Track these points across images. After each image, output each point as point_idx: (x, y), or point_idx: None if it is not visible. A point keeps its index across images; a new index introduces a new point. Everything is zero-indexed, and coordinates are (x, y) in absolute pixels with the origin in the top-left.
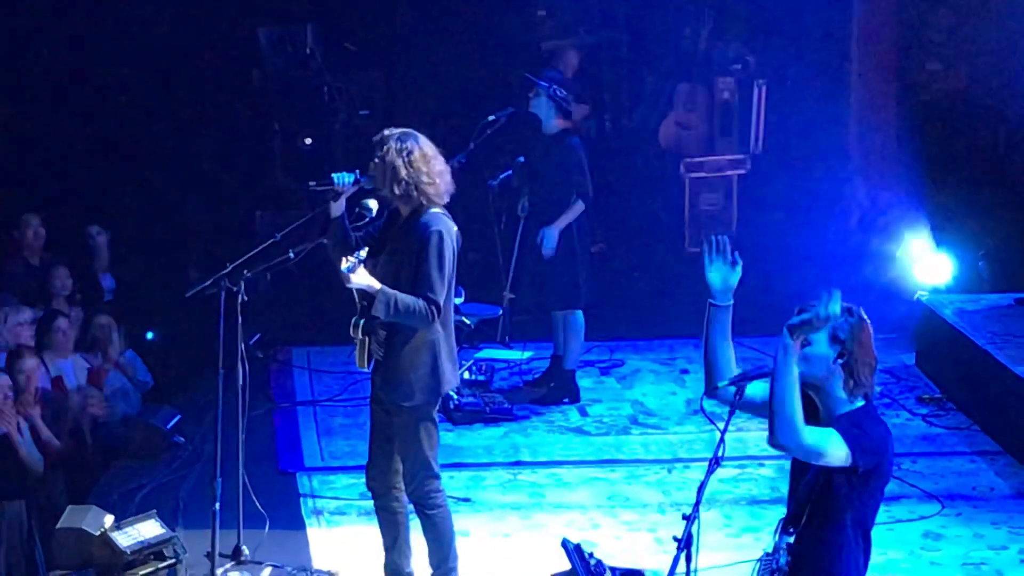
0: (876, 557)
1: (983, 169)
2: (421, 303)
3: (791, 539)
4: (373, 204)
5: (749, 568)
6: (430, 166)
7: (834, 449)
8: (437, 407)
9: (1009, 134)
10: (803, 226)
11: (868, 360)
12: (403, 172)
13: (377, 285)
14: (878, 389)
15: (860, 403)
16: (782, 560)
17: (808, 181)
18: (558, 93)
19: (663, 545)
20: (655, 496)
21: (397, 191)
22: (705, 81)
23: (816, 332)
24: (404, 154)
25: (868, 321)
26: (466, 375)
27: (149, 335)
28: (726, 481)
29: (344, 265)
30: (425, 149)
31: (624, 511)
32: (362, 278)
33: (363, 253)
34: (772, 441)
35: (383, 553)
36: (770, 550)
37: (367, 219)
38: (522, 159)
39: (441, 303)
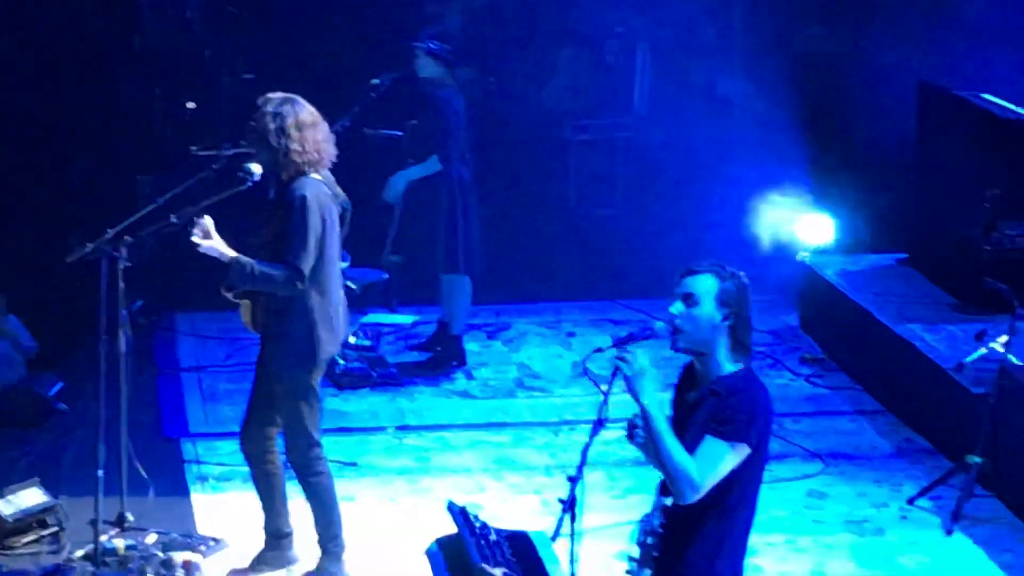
0: (760, 516)
1: (865, 130)
2: (282, 270)
3: (668, 500)
4: (256, 168)
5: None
6: (304, 134)
7: (727, 457)
8: (318, 374)
9: (892, 96)
10: (687, 188)
11: (749, 324)
12: (274, 139)
13: (230, 253)
14: (761, 349)
15: (740, 365)
16: (655, 522)
17: (692, 143)
18: (435, 46)
19: (549, 507)
20: (541, 459)
21: (269, 157)
22: (590, 44)
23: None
24: (277, 120)
25: (749, 285)
26: (352, 340)
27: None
28: (611, 443)
29: (196, 233)
30: (302, 116)
31: (511, 474)
32: (215, 244)
33: (207, 219)
34: (683, 503)
35: (262, 515)
36: (649, 511)
37: (249, 183)
38: (414, 122)
39: (304, 269)
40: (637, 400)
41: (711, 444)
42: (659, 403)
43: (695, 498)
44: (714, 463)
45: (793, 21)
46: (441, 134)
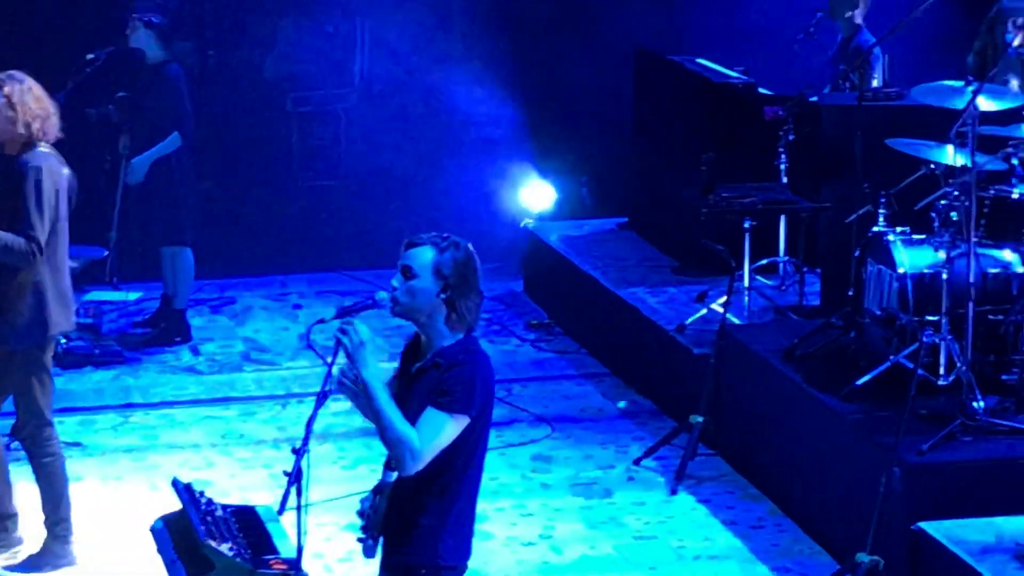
0: (488, 482)
1: (581, 97)
2: (20, 240)
3: (393, 476)
4: None
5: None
6: (30, 107)
7: (448, 428)
8: (51, 352)
9: (610, 63)
10: (409, 157)
11: (472, 294)
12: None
13: None
14: (487, 316)
15: (460, 336)
16: (380, 495)
17: (411, 113)
18: (154, 20)
19: (277, 481)
20: (270, 432)
21: None
22: (309, 14)
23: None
24: (1, 95)
25: (475, 255)
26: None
27: None
28: (339, 414)
29: None
30: (26, 90)
31: (239, 448)
32: None
33: None
34: (405, 474)
35: None
36: (377, 483)
37: None
38: (123, 94)
39: (42, 241)
40: (358, 372)
41: (432, 415)
42: (380, 374)
43: (416, 467)
44: (434, 434)
45: None
46: (177, 110)
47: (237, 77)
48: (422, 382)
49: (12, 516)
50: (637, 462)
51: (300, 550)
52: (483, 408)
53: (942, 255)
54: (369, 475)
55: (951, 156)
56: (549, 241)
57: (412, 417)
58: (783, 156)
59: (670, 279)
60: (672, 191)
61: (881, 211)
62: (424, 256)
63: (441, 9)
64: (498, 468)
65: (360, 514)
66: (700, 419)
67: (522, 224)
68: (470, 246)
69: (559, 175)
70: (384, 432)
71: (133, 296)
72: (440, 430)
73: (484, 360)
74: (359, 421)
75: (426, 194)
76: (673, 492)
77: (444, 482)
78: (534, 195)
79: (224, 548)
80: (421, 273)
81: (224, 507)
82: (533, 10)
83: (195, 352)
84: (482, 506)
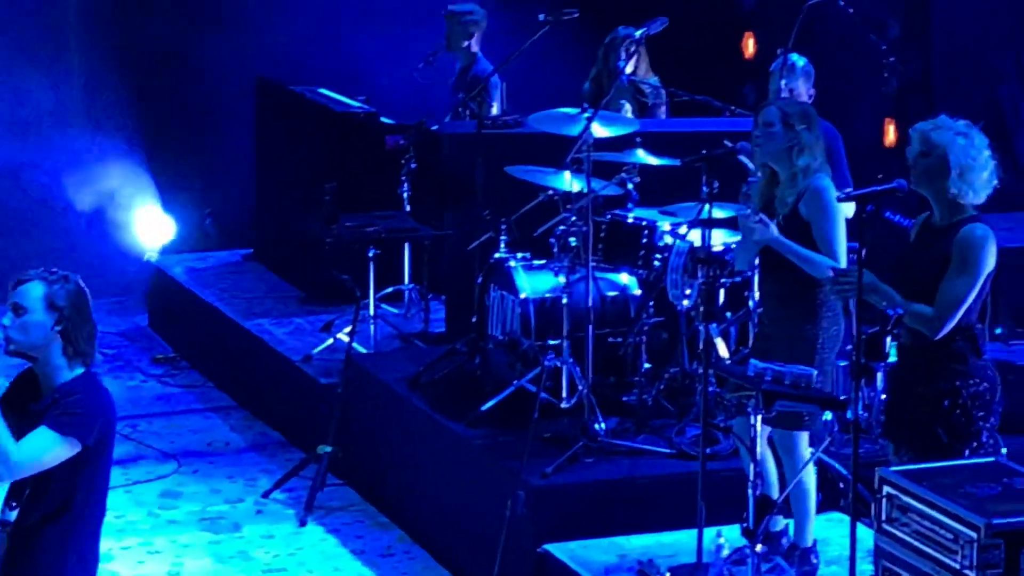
0: (113, 520)
1: (202, 128)
2: None
3: (13, 515)
4: None
5: None
6: None
7: (55, 447)
8: None
9: (231, 93)
10: (24, 193)
11: (86, 324)
12: None
13: None
14: (111, 352)
15: (80, 371)
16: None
17: (48, 144)
18: None
19: None
20: None
21: None
22: None
23: None
24: None
25: (85, 288)
26: None
27: None
28: None
29: None
30: None
31: None
32: None
33: None
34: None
35: None
36: None
37: None
38: None
39: None
40: None
41: (42, 432)
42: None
43: (9, 477)
44: (38, 449)
45: (131, 18)
46: None
47: None
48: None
49: None
50: (266, 495)
51: None
52: (101, 441)
53: (562, 280)
54: None
55: (568, 182)
56: (174, 274)
57: None
58: (405, 185)
59: (296, 310)
60: (296, 221)
61: (502, 237)
62: (35, 291)
63: (55, 41)
64: (124, 506)
65: None
66: (328, 449)
67: (145, 258)
68: (79, 278)
69: (183, 208)
70: None
71: None
72: (46, 447)
73: (105, 394)
74: None
75: (43, 231)
76: (302, 523)
77: (65, 520)
78: (156, 228)
79: None
80: (33, 307)
81: None
82: (152, 40)
83: None
84: (107, 545)
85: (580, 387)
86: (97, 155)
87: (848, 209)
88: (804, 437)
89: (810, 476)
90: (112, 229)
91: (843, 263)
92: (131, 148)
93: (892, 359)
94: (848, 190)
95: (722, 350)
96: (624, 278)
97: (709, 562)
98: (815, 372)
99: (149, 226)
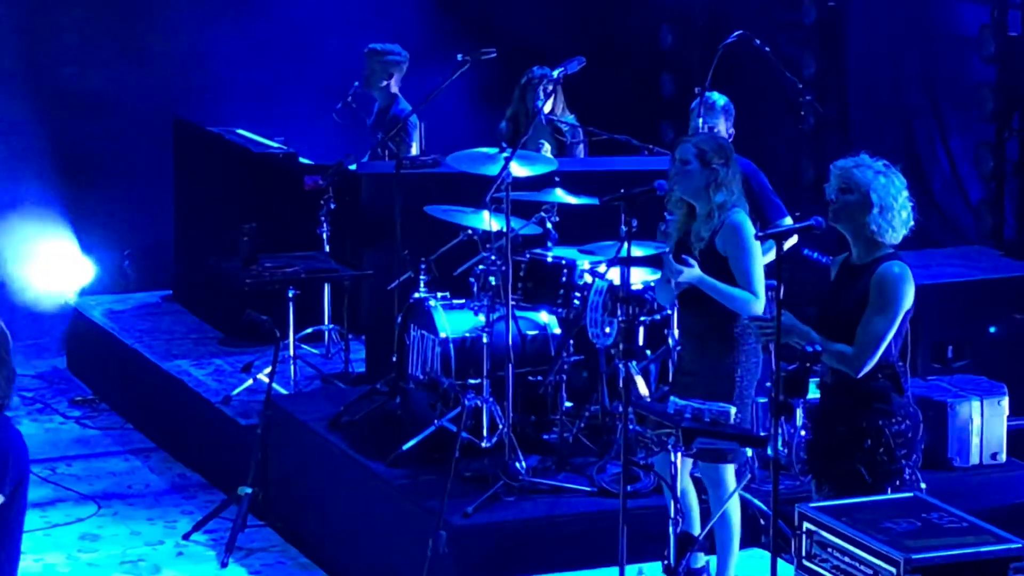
0: (31, 564)
1: (119, 169)
2: None
3: None
4: None
5: None
6: None
7: None
8: None
9: (147, 133)
10: None
11: (4, 369)
12: None
13: None
14: (29, 395)
15: None
16: None
17: None
18: None
19: None
20: None
21: None
22: None
23: None
24: None
25: (6, 330)
26: None
27: None
28: None
29: None
30: None
31: None
32: None
33: None
34: None
35: None
36: None
37: None
38: None
39: None
40: None
41: None
42: None
43: None
44: None
45: (46, 59)
46: None
47: None
48: None
49: None
50: (186, 536)
51: None
52: (16, 487)
53: (482, 319)
54: None
55: (487, 221)
56: (92, 316)
57: None
58: (325, 225)
59: (216, 351)
60: (214, 262)
61: (422, 277)
62: None
63: None
64: (43, 548)
65: None
66: (249, 490)
67: (63, 301)
68: (1, 323)
69: (101, 249)
70: None
71: None
72: None
73: (16, 438)
74: None
75: None
76: (223, 565)
77: None
78: (75, 271)
79: None
80: None
81: None
82: (68, 80)
83: None
84: None
85: (501, 426)
86: (14, 197)
87: (768, 254)
88: (730, 470)
89: (735, 512)
90: (30, 272)
91: (762, 296)
92: (48, 191)
93: (812, 395)
94: (770, 229)
95: (642, 388)
96: (544, 317)
97: None
98: (734, 409)
99: (67, 268)
